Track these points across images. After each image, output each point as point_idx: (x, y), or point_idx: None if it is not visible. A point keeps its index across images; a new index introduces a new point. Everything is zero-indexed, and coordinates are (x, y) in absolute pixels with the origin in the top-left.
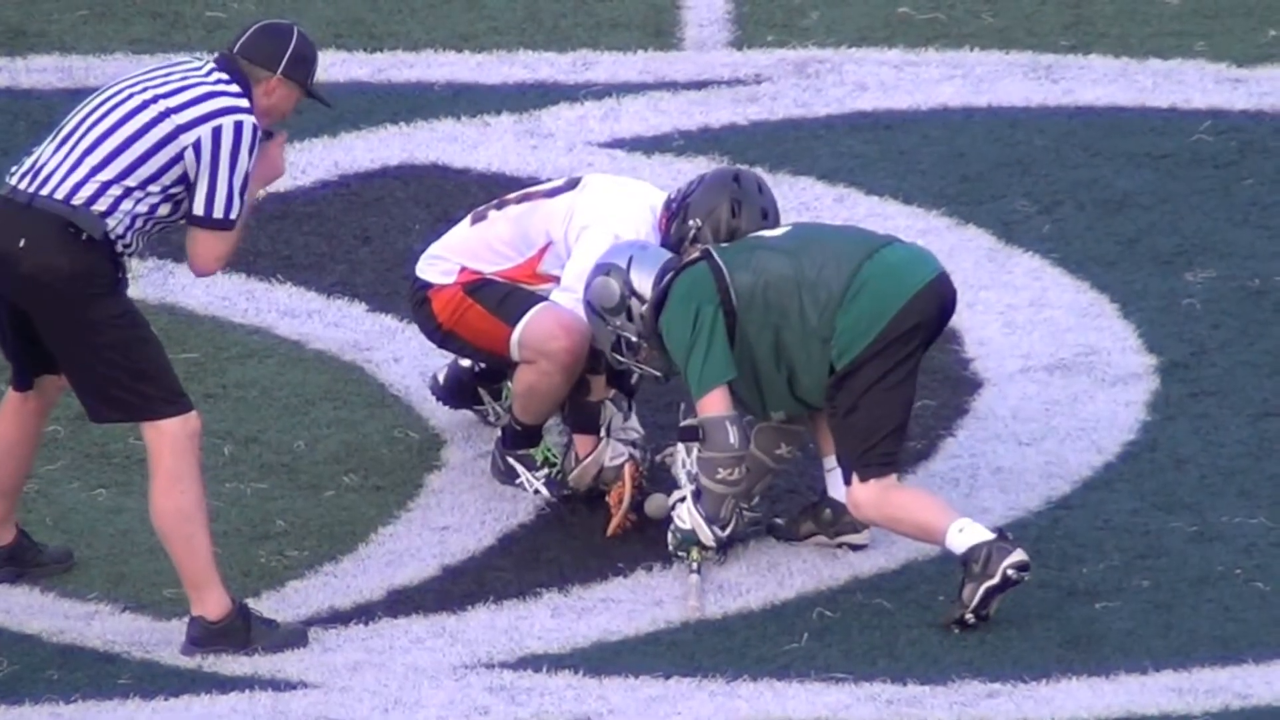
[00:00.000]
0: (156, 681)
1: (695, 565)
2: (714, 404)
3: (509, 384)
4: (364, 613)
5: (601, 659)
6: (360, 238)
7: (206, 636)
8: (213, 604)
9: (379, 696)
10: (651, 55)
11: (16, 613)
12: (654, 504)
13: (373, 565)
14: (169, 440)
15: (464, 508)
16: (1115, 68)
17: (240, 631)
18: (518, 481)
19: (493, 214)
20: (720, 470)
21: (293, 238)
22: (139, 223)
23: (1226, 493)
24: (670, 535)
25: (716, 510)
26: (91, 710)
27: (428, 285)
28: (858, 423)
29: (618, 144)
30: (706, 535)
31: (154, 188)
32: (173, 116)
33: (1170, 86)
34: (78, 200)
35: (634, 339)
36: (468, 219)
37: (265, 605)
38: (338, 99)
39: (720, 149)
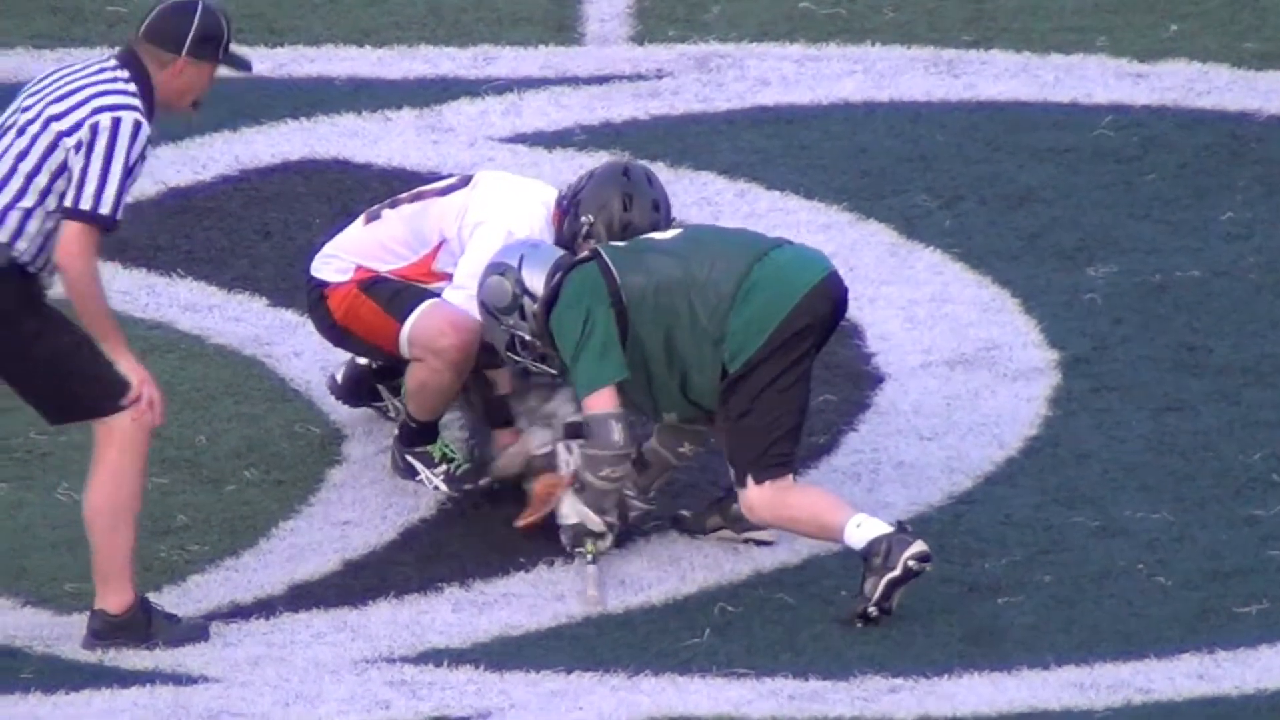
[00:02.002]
0: (58, 676)
1: (591, 557)
2: (600, 402)
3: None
4: (265, 607)
5: (503, 653)
6: (261, 233)
7: (108, 630)
8: (117, 598)
9: (280, 691)
10: (553, 50)
11: None
12: (506, 461)
13: (274, 560)
14: (118, 437)
15: (365, 502)
16: (1017, 63)
17: (141, 625)
18: (418, 478)
19: (386, 213)
20: (604, 468)
21: (193, 232)
22: (50, 239)
23: (1128, 487)
24: (562, 534)
25: (598, 505)
26: None
27: (324, 284)
28: (752, 425)
29: (519, 139)
30: (595, 523)
31: (51, 201)
32: (53, 125)
33: (1072, 81)
34: None
35: (528, 338)
36: (362, 218)
37: (166, 599)
38: (237, 95)
39: (622, 144)
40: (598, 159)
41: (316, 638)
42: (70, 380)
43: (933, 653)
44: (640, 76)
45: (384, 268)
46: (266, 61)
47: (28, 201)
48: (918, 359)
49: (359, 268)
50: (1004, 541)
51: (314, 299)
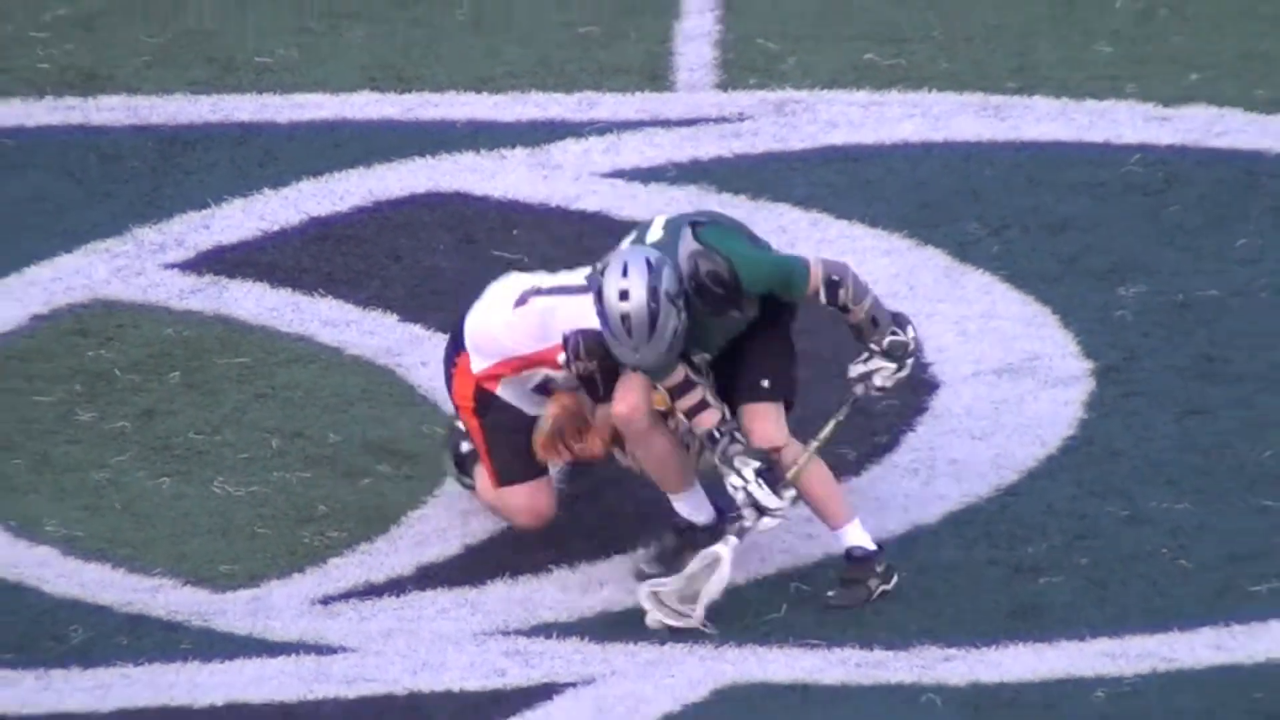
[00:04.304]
0: (214, 646)
1: (740, 530)
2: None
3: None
4: (395, 586)
5: (605, 627)
6: (392, 256)
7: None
8: None
9: (409, 660)
10: (648, 96)
11: (90, 586)
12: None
13: (403, 544)
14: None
15: None
16: (1056, 107)
17: None
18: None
19: (532, 299)
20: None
21: (333, 257)
22: None
23: (1155, 481)
24: (740, 494)
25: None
26: (157, 672)
27: (459, 352)
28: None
29: (618, 174)
30: (771, 499)
31: None
32: None
33: (1104, 124)
34: None
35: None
36: (512, 300)
37: (309, 580)
38: (371, 136)
39: (708, 179)
40: (688, 192)
41: (441, 613)
42: None
43: (982, 626)
44: (724, 119)
45: (515, 350)
46: (396, 106)
47: None
48: (969, 368)
49: (492, 365)
50: (1045, 529)
51: (449, 360)
